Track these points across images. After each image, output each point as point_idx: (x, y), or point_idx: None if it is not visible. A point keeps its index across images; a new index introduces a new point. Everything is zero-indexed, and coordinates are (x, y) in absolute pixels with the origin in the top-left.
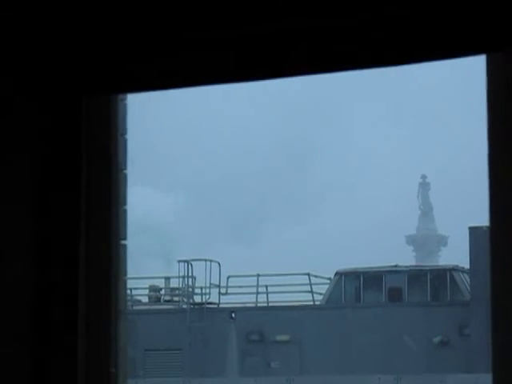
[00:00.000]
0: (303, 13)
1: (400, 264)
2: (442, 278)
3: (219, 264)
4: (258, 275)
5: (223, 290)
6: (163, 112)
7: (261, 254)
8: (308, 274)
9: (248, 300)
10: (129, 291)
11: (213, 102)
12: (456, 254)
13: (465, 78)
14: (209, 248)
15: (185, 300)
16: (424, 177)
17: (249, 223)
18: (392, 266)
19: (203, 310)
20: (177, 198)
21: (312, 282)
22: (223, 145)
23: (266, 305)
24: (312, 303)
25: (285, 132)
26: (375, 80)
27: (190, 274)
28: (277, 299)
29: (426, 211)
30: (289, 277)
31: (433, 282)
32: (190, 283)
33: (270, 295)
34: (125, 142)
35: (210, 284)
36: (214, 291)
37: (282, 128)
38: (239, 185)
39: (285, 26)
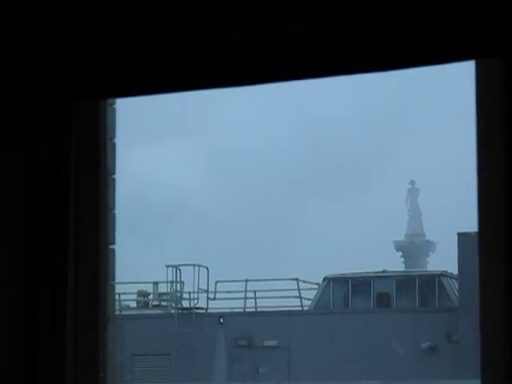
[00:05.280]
0: (295, 16)
1: (388, 269)
2: (430, 283)
3: (207, 269)
4: (247, 280)
5: (211, 295)
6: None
7: (248, 258)
8: (296, 280)
9: (236, 305)
10: (117, 296)
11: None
12: (445, 259)
13: (453, 83)
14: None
15: (173, 305)
16: (413, 182)
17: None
18: (380, 272)
19: (191, 315)
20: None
21: (300, 287)
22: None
23: (254, 310)
24: (300, 308)
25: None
26: (365, 85)
27: (178, 279)
28: (265, 304)
29: (415, 217)
30: (277, 282)
31: (421, 287)
32: (179, 288)
33: (258, 300)
34: (114, 146)
35: (199, 289)
36: (203, 296)
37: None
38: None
39: (276, 31)
